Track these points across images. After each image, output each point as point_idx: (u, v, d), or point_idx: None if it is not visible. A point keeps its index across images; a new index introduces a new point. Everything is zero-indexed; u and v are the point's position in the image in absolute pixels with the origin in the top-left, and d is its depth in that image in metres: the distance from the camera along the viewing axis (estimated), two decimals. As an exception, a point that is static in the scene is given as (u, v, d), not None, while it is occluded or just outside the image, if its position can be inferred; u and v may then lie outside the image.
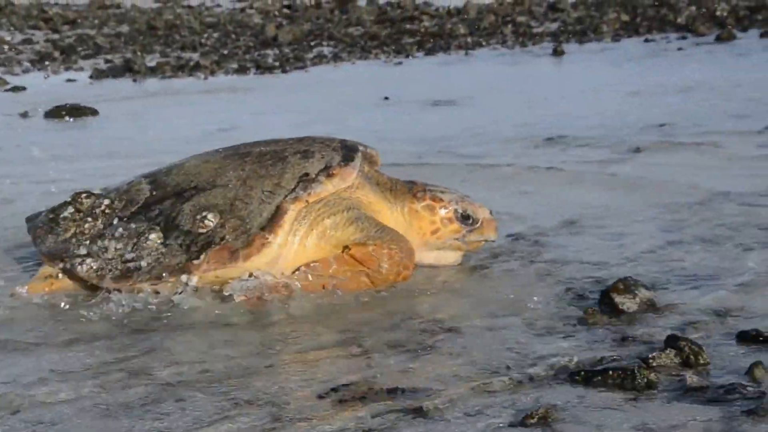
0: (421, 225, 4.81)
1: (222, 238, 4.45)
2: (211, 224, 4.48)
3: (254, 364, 3.77)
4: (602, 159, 7.29)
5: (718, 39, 15.83)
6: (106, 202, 4.74)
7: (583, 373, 3.46)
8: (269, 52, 18.60)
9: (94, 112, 11.57)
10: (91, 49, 20.16)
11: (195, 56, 18.20)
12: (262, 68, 16.02)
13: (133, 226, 4.59)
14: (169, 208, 4.59)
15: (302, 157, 4.68)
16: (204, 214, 4.50)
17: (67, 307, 4.48)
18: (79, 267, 4.54)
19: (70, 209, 4.76)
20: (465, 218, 4.79)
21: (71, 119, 11.20)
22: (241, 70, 16.05)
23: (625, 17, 19.62)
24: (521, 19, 21.62)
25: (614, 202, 5.76)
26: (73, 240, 4.65)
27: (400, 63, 16.05)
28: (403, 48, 17.89)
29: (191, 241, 4.47)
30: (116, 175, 7.57)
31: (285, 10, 28.32)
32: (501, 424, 3.16)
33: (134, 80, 15.46)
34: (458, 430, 3.13)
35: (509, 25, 20.46)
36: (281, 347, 3.93)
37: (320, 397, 3.42)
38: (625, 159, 7.22)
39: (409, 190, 4.86)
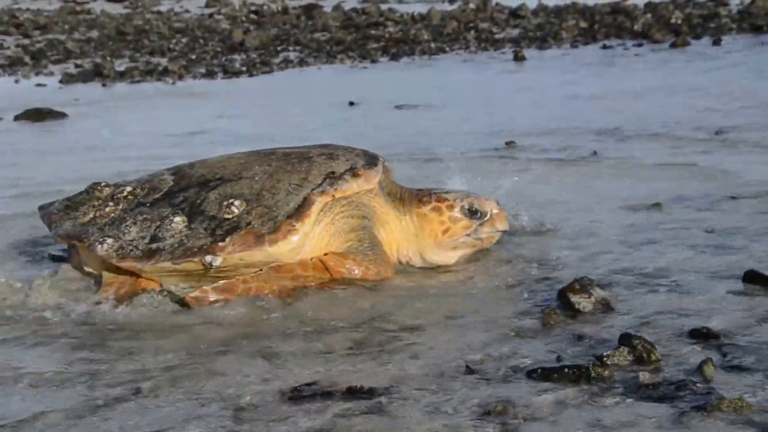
0: (432, 227, 4.82)
1: (248, 224, 4.48)
2: (237, 211, 4.51)
3: (217, 364, 3.76)
4: (561, 160, 7.33)
5: (673, 45, 15.94)
6: (128, 189, 4.77)
7: (539, 370, 3.49)
8: (236, 57, 18.54)
9: (63, 116, 11.49)
10: (61, 53, 20.01)
11: (164, 61, 18.11)
12: (230, 73, 15.97)
13: (156, 211, 4.61)
14: (194, 195, 4.63)
15: (328, 158, 4.76)
16: (230, 201, 4.54)
17: (33, 307, 4.45)
18: (99, 246, 4.51)
19: (89, 197, 4.79)
20: (473, 213, 4.80)
21: (40, 122, 11.10)
22: (209, 74, 15.99)
23: (583, 24, 19.73)
24: (483, 25, 21.68)
25: (570, 204, 5.79)
26: (92, 223, 4.65)
27: (365, 68, 16.06)
28: (368, 53, 17.89)
29: (216, 225, 4.50)
30: (85, 177, 7.53)
31: (252, 16, 28.25)
32: (459, 421, 3.18)
33: (104, 84, 15.36)
34: (418, 428, 3.14)
35: (472, 31, 20.51)
36: (244, 347, 3.93)
37: (283, 396, 3.43)
38: (581, 161, 7.26)
39: (415, 196, 4.89)
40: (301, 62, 17.18)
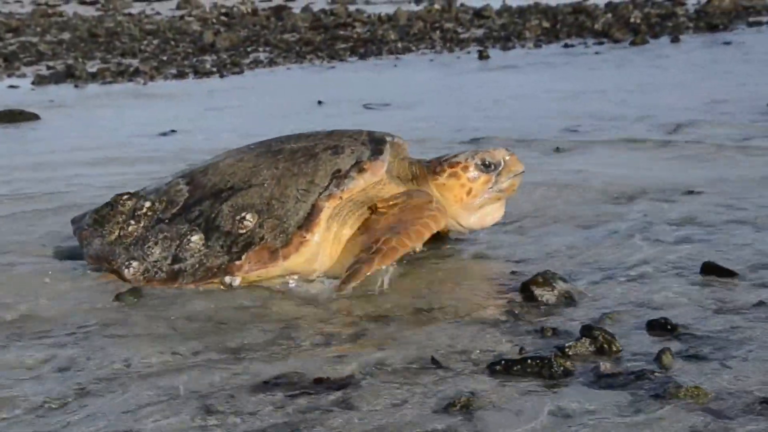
0: (454, 193, 4.77)
1: (261, 238, 4.45)
2: (250, 224, 4.49)
3: (187, 359, 3.75)
4: (523, 158, 7.34)
5: (632, 44, 16.03)
6: (147, 204, 4.75)
7: (503, 362, 3.49)
8: (207, 57, 18.44)
9: (35, 117, 11.39)
10: (33, 56, 19.82)
11: (135, 62, 17.98)
12: (201, 73, 15.89)
13: (175, 228, 4.60)
14: (209, 209, 4.60)
15: (333, 153, 4.67)
16: (243, 214, 4.51)
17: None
18: (126, 270, 4.57)
19: (113, 211, 4.79)
20: (487, 166, 4.75)
21: (12, 124, 11.00)
22: (180, 75, 15.90)
23: (546, 24, 19.79)
24: (449, 25, 21.71)
25: (534, 200, 5.81)
26: (118, 243, 4.68)
27: (333, 67, 16.03)
28: (336, 53, 17.85)
29: (232, 242, 4.48)
30: (58, 177, 7.48)
31: (222, 18, 28.11)
32: (425, 413, 3.18)
33: (76, 86, 15.23)
34: (384, 420, 3.14)
35: (437, 31, 20.52)
36: (213, 341, 3.91)
37: (251, 390, 3.42)
38: (545, 158, 7.29)
39: (427, 169, 4.85)
40: (271, 62, 17.12)
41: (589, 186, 6.17)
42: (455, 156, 4.85)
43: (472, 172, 4.75)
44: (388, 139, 4.83)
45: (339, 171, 4.60)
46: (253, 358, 3.70)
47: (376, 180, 4.66)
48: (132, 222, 4.71)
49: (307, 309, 4.26)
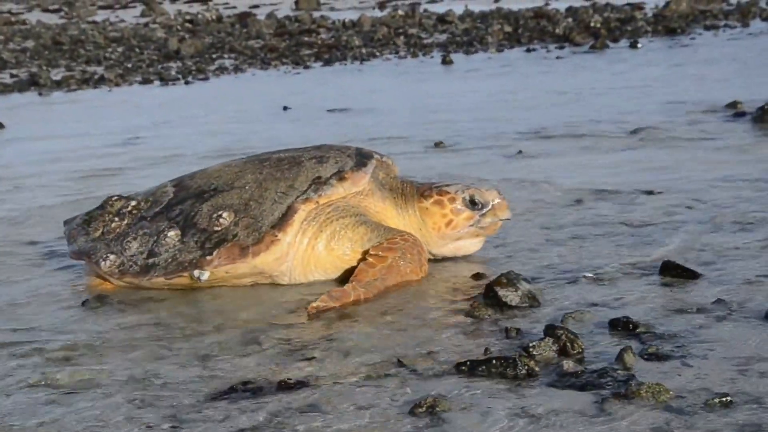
0: (434, 221, 4.75)
1: (235, 236, 4.47)
2: (226, 222, 4.51)
3: (154, 365, 3.73)
4: (486, 161, 7.38)
5: (593, 48, 16.14)
6: (133, 203, 4.80)
7: (468, 363, 3.50)
8: (172, 64, 18.37)
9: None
10: (-3, 64, 19.67)
11: (100, 69, 17.87)
12: (166, 80, 15.82)
13: (155, 225, 4.63)
14: (189, 208, 4.63)
15: (317, 162, 4.70)
16: (219, 213, 4.53)
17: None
18: (103, 263, 4.60)
19: (102, 212, 4.82)
20: (474, 204, 4.73)
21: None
22: (146, 82, 15.83)
23: (508, 28, 19.88)
24: (412, 31, 21.76)
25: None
26: (100, 239, 4.71)
27: (298, 73, 16.01)
28: (301, 59, 17.83)
29: (206, 238, 4.50)
30: (23, 186, 7.42)
31: (187, 25, 28.00)
32: (392, 415, 3.18)
33: (40, 93, 15.13)
34: (350, 422, 3.14)
35: (401, 37, 20.55)
36: (180, 347, 3.89)
37: (219, 395, 3.40)
38: (508, 161, 7.32)
39: (417, 190, 4.82)
40: (236, 69, 17.07)
41: (551, 188, 6.20)
42: (448, 185, 4.83)
43: (458, 206, 4.74)
44: (376, 155, 4.86)
45: (319, 177, 4.62)
46: (219, 364, 3.69)
47: (357, 190, 4.67)
48: (116, 220, 4.75)
49: (273, 313, 4.25)
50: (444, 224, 4.76)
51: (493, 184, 4.91)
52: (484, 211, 4.75)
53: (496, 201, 4.76)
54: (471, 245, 4.86)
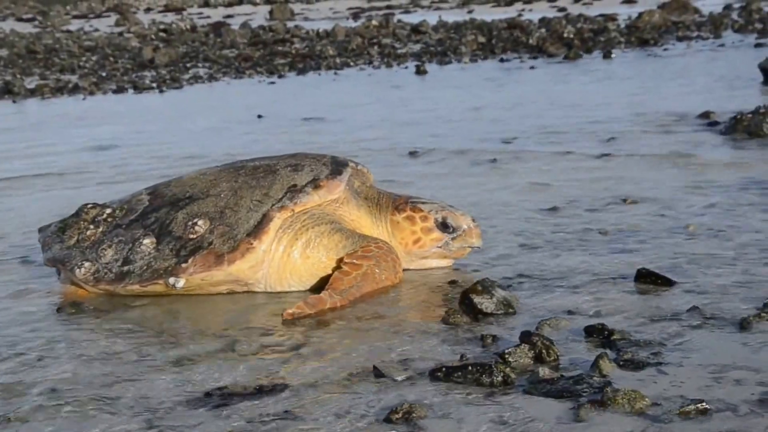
0: (403, 236, 4.74)
1: (210, 243, 4.44)
2: (201, 230, 4.48)
3: (129, 370, 3.70)
4: (461, 170, 7.38)
5: (566, 58, 16.21)
6: (108, 211, 4.77)
7: (444, 369, 3.48)
8: (147, 73, 18.29)
9: (-27, 133, 11.22)
10: (-30, 72, 19.52)
11: (74, 78, 17.77)
12: (140, 89, 15.75)
13: (130, 232, 4.60)
14: (164, 216, 4.61)
15: (292, 170, 4.68)
16: (195, 220, 4.51)
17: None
18: (78, 270, 4.56)
19: (76, 219, 4.78)
20: (445, 226, 4.71)
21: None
22: (120, 90, 15.75)
23: (482, 39, 19.94)
24: (386, 41, 21.79)
25: (471, 211, 5.81)
26: (75, 246, 4.67)
27: (273, 83, 15.97)
28: (275, 68, 17.80)
29: (181, 245, 4.47)
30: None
31: (161, 34, 27.93)
32: (367, 422, 3.16)
33: (14, 101, 15.04)
34: (326, 429, 3.12)
35: (375, 47, 20.58)
36: (156, 354, 3.86)
37: (194, 401, 3.37)
38: (482, 170, 7.32)
39: (393, 202, 4.80)
40: (211, 78, 17.02)
41: (525, 196, 6.21)
42: (424, 202, 4.81)
43: (429, 225, 4.73)
44: (351, 164, 4.84)
45: (295, 186, 4.61)
46: (195, 370, 3.66)
47: (332, 198, 4.65)
48: (91, 227, 4.71)
49: (249, 320, 4.23)
50: (412, 241, 4.75)
51: (468, 212, 4.85)
52: (455, 235, 4.74)
53: (469, 226, 4.74)
54: (438, 263, 4.84)
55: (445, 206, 4.82)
